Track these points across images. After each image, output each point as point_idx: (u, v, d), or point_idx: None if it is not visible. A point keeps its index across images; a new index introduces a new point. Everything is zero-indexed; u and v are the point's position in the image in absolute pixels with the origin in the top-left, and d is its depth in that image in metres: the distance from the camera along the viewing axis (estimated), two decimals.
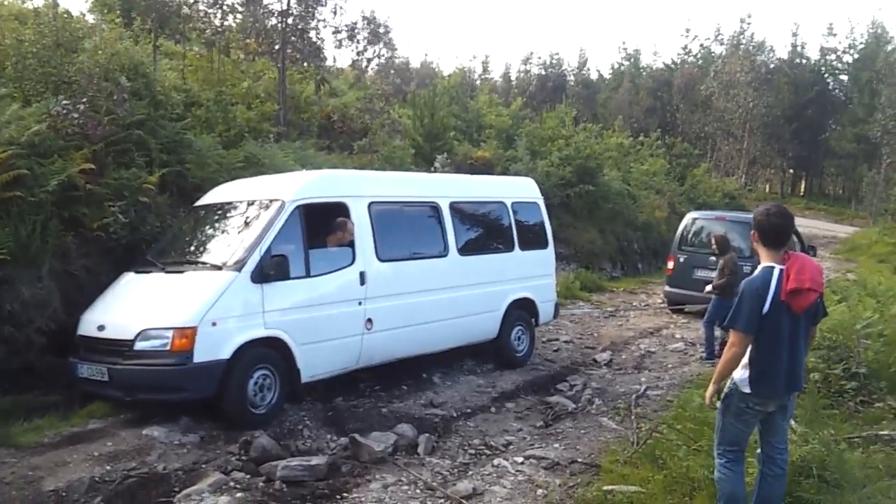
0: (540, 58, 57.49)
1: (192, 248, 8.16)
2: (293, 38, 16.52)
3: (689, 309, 14.49)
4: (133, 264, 8.19)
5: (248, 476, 6.03)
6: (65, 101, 9.17)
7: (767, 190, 56.33)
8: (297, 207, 7.74)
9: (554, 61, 56.93)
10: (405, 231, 9.03)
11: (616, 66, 61.00)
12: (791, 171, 56.24)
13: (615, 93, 54.27)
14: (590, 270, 18.10)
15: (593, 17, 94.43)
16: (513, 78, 59.92)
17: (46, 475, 5.65)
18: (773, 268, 4.40)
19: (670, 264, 14.63)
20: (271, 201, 7.85)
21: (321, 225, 8.07)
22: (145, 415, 6.94)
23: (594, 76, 61.43)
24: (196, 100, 12.34)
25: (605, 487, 5.80)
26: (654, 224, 22.83)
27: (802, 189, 58.90)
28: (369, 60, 30.69)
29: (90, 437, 6.48)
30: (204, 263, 7.62)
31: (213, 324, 6.84)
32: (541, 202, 10.95)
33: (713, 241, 11.65)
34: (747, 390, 4.41)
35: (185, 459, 6.22)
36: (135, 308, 7.25)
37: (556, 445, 7.16)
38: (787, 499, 4.67)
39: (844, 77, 55.93)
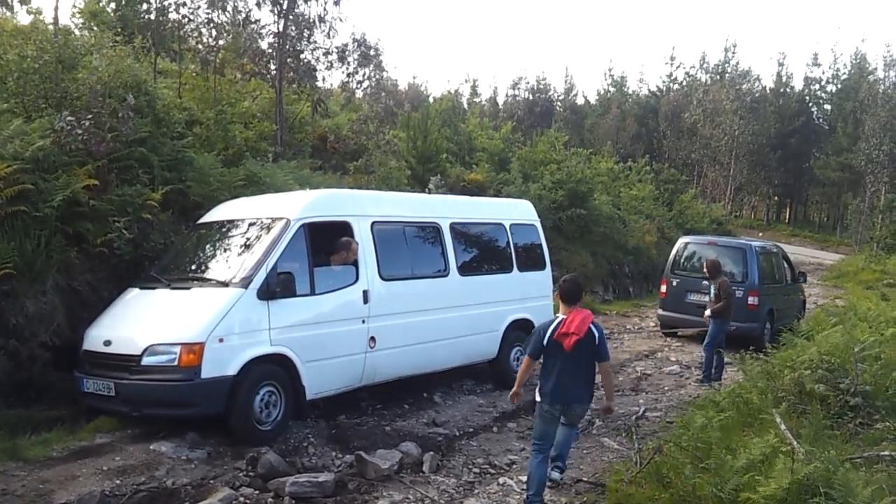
0: (528, 82, 57.99)
1: (198, 265, 8.20)
2: (289, 59, 16.65)
3: (682, 332, 14.63)
4: (137, 280, 8.22)
5: (257, 492, 6.05)
6: (69, 118, 9.21)
7: (753, 216, 56.93)
8: (302, 226, 7.81)
9: (542, 86, 57.50)
10: (406, 250, 9.11)
11: (603, 91, 61.68)
12: (776, 198, 56.84)
13: (602, 118, 54.82)
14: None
15: (580, 42, 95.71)
16: (500, 102, 60.43)
17: (57, 488, 5.65)
18: (558, 317, 6.09)
19: (663, 288, 14.77)
20: (276, 219, 7.92)
21: (325, 243, 8.14)
22: (152, 430, 6.95)
23: (581, 101, 62.11)
24: (196, 118, 12.41)
25: None
26: (644, 248, 23.00)
27: (787, 216, 59.53)
28: (360, 82, 30.92)
29: (98, 451, 6.48)
30: (210, 280, 7.66)
31: (221, 340, 6.87)
32: (538, 224, 11.09)
33: (705, 267, 11.82)
34: (538, 399, 6.11)
35: (194, 475, 6.23)
36: (141, 323, 7.27)
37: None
38: None
39: (828, 106, 56.78)
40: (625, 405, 9.59)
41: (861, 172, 43.91)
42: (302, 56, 17.56)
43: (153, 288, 7.84)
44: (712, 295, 11.34)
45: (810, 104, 57.39)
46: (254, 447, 6.83)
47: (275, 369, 7.31)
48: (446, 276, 9.27)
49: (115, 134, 9.54)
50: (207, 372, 6.76)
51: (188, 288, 7.63)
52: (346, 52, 28.42)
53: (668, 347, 13.56)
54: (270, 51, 16.76)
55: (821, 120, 57.65)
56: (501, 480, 6.75)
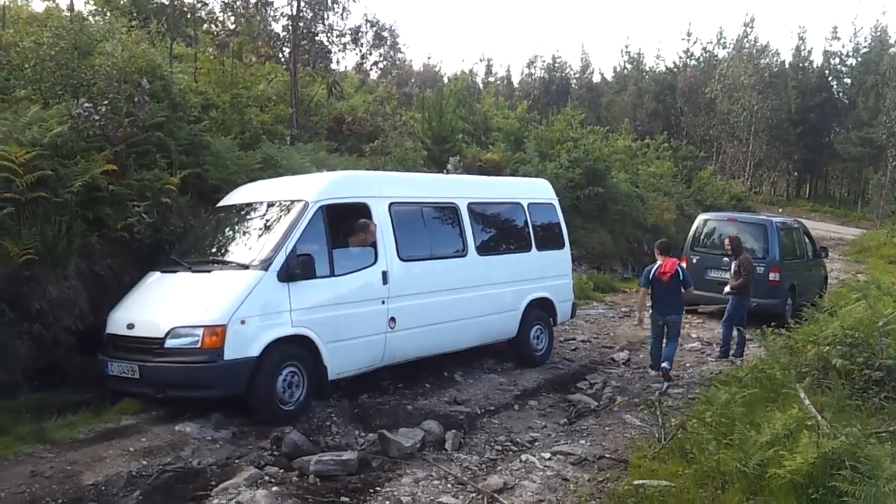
0: (544, 60, 57.53)
1: (218, 248, 8.23)
2: (304, 41, 16.64)
3: (702, 309, 14.54)
4: (158, 264, 8.26)
5: (282, 471, 6.10)
6: (86, 104, 9.24)
7: (773, 192, 56.39)
8: (321, 208, 7.81)
9: (558, 64, 57.06)
10: (425, 231, 9.10)
11: (619, 68, 61.15)
12: (796, 173, 56.22)
13: (619, 96, 54.36)
14: (601, 272, 18.17)
15: (595, 18, 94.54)
16: (515, 81, 60.05)
17: (84, 470, 5.72)
18: (657, 263, 9.79)
19: (683, 265, 14.63)
20: (294, 202, 7.93)
21: (343, 225, 8.15)
22: (177, 411, 7.00)
23: (597, 79, 61.55)
24: (212, 102, 12.41)
25: (634, 482, 5.85)
26: (662, 226, 22.84)
27: (807, 191, 58.94)
28: (374, 64, 30.91)
29: (124, 432, 6.54)
30: (230, 263, 7.69)
31: (242, 322, 6.91)
32: (556, 203, 11.04)
33: (727, 243, 11.73)
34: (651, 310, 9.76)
35: (219, 454, 6.29)
36: (164, 307, 7.32)
37: (582, 442, 7.23)
38: (821, 489, 4.73)
39: (848, 80, 55.93)
40: (647, 382, 9.58)
41: (882, 146, 43.34)
42: (316, 38, 17.57)
43: (174, 271, 7.88)
44: (733, 271, 11.27)
45: (830, 78, 56.56)
46: (277, 427, 6.88)
47: (296, 350, 7.34)
48: (465, 256, 9.26)
49: (132, 119, 9.55)
50: (230, 353, 6.80)
51: (209, 271, 7.67)
52: (360, 34, 28.44)
53: (688, 324, 13.46)
54: (285, 34, 16.76)
55: (841, 94, 56.85)
56: (524, 457, 6.76)
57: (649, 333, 12.57)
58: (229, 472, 5.96)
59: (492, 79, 57.53)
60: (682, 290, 9.69)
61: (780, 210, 41.48)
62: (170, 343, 6.88)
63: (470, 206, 9.47)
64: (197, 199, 9.99)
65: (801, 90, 52.42)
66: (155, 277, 7.97)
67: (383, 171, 10.09)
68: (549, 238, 10.60)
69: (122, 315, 7.48)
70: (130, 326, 7.23)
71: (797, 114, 50.61)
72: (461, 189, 9.75)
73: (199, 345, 6.79)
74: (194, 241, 8.57)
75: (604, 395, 8.92)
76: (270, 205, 8.23)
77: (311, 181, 8.60)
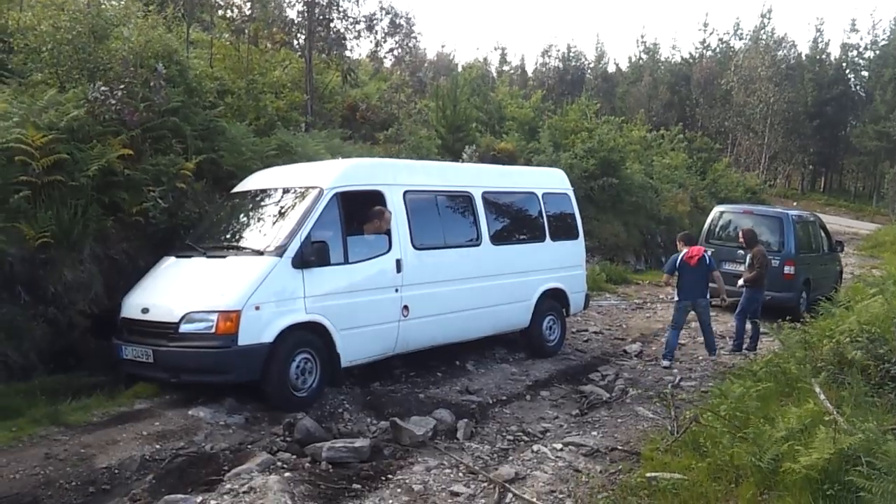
0: (559, 50, 57.26)
1: (232, 234, 8.23)
2: (319, 27, 16.58)
3: (715, 302, 14.43)
4: (173, 249, 8.29)
5: (294, 457, 6.12)
6: (103, 88, 9.26)
7: (787, 186, 55.96)
8: (336, 195, 7.80)
9: (572, 54, 56.71)
10: (439, 220, 9.08)
11: (634, 59, 60.74)
12: (811, 167, 55.76)
13: (634, 86, 54.01)
14: (614, 263, 18.10)
15: (611, 8, 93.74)
16: (529, 70, 59.76)
17: (98, 453, 5.75)
18: (682, 251, 10.31)
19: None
20: (309, 188, 7.92)
21: (358, 212, 8.14)
22: (190, 396, 7.03)
23: (612, 69, 61.17)
24: (228, 88, 12.40)
25: (647, 474, 5.85)
26: (676, 218, 22.75)
27: (822, 185, 58.49)
28: (391, 51, 30.83)
29: (137, 416, 6.58)
30: (245, 249, 7.69)
31: (257, 308, 6.92)
32: (571, 193, 10.99)
33: (741, 235, 11.66)
34: (677, 298, 10.19)
35: (232, 440, 6.31)
36: (178, 291, 7.34)
37: (594, 433, 7.22)
38: (837, 486, 4.69)
39: (866, 73, 55.36)
40: (659, 374, 9.55)
41: None
42: (331, 24, 17.51)
43: (189, 256, 7.90)
44: (747, 264, 11.21)
45: (847, 71, 55.99)
46: (290, 413, 6.90)
47: (310, 337, 7.35)
48: (479, 245, 9.23)
49: (148, 104, 9.56)
50: (244, 339, 6.82)
51: (224, 256, 7.68)
52: (375, 21, 28.25)
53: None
54: (300, 19, 16.71)
55: (858, 87, 56.30)
56: (535, 447, 6.75)
57: (661, 326, 12.63)
58: (242, 458, 5.97)
59: (506, 68, 57.30)
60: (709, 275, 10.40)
61: (795, 203, 41.15)
62: (184, 328, 6.91)
63: (484, 196, 9.44)
64: (212, 185, 10.02)
65: (817, 83, 51.96)
66: (170, 262, 7.99)
67: (398, 159, 10.01)
68: (563, 228, 10.56)
69: (136, 299, 7.50)
70: (145, 311, 7.26)
71: (813, 107, 50.17)
72: (476, 178, 9.72)
73: (213, 330, 6.81)
74: (209, 227, 8.59)
75: (616, 386, 8.91)
76: (285, 191, 8.23)
77: (327, 168, 8.59)
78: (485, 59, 50.59)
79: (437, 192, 9.08)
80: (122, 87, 9.38)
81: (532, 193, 10.25)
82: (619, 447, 6.74)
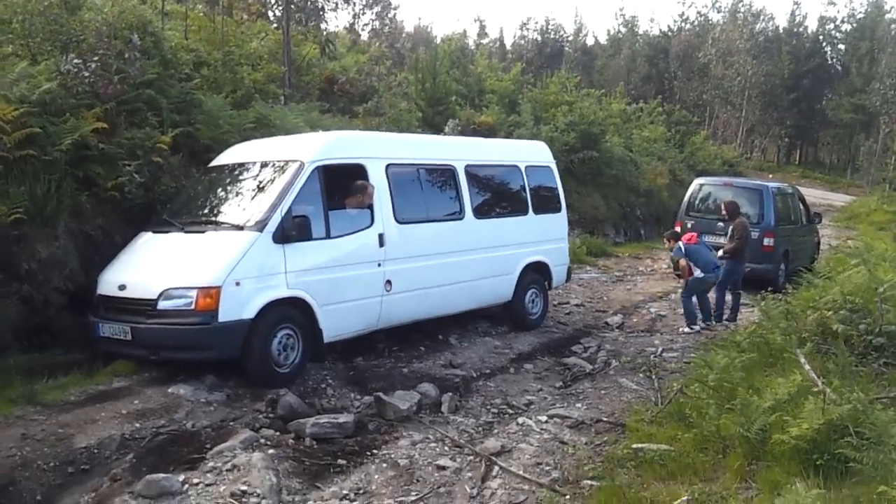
0: (537, 23, 56.88)
1: (211, 209, 8.07)
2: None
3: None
4: (149, 224, 8.11)
5: (278, 433, 6.05)
6: (76, 60, 9.02)
7: (763, 158, 56.29)
8: (317, 168, 7.66)
9: (551, 27, 56.43)
10: (422, 193, 8.98)
11: (613, 32, 60.52)
12: (787, 139, 56.10)
13: (612, 59, 53.89)
14: (594, 236, 18.11)
15: None
16: (508, 44, 59.40)
17: (76, 432, 5.64)
18: (678, 242, 10.79)
19: (678, 230, 14.57)
20: (289, 162, 7.77)
21: (339, 186, 8.01)
22: (170, 373, 6.91)
23: (591, 42, 60.99)
24: (203, 60, 12.14)
25: (633, 445, 5.85)
26: (655, 190, 22.80)
27: (798, 157, 58.89)
28: (369, 23, 30.49)
29: (116, 395, 6.45)
30: (224, 224, 7.54)
31: (237, 283, 6.80)
32: (553, 166, 10.93)
33: (723, 207, 11.67)
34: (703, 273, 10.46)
35: (213, 417, 6.22)
36: (156, 267, 7.20)
37: (579, 405, 7.21)
38: (826, 456, 4.71)
39: (842, 47, 55.61)
40: (640, 346, 9.57)
41: (875, 113, 43.27)
42: None
43: (166, 232, 7.74)
44: (728, 235, 11.22)
45: (824, 44, 56.19)
46: (272, 390, 6.83)
47: (292, 312, 7.25)
48: (461, 219, 9.15)
49: (123, 76, 9.33)
50: (224, 315, 6.70)
51: (202, 231, 7.53)
52: None
53: (681, 289, 13.42)
54: None
55: (834, 60, 56.54)
56: (520, 420, 6.74)
57: (642, 297, 12.67)
58: (224, 435, 5.89)
59: (485, 41, 56.93)
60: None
61: (771, 176, 41.40)
62: (163, 304, 6.77)
63: (467, 169, 9.34)
64: (189, 159, 9.80)
65: (794, 55, 52.10)
66: (146, 238, 7.83)
67: (380, 132, 9.88)
68: (546, 202, 10.50)
69: (113, 276, 7.35)
70: (122, 287, 7.11)
71: (790, 79, 50.36)
72: (459, 151, 9.62)
73: (192, 306, 6.68)
74: (186, 202, 8.42)
75: (598, 358, 8.91)
76: (265, 165, 8.07)
77: (307, 141, 8.44)
78: (463, 32, 50.24)
79: (419, 165, 8.97)
80: (95, 58, 9.14)
81: (515, 166, 10.16)
82: (604, 419, 6.74)
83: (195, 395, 6.52)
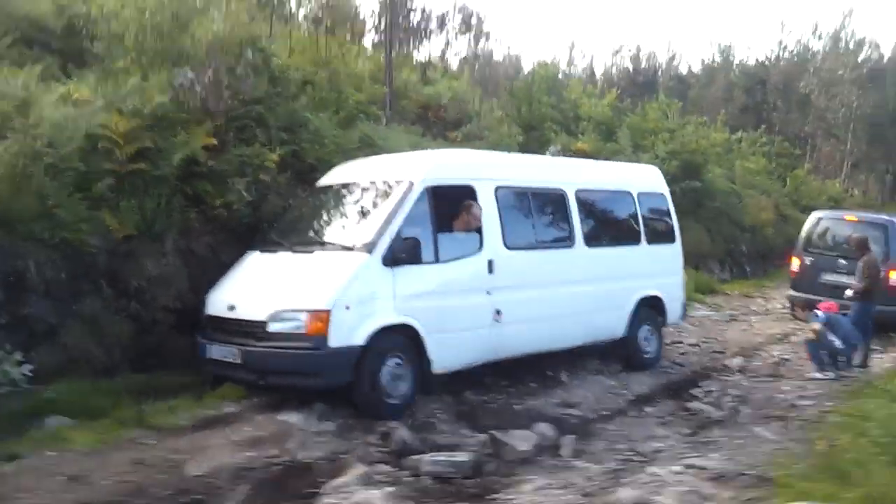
0: (630, 50, 55.92)
1: (319, 229, 7.85)
2: (400, 18, 16.27)
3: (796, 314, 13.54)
4: (257, 243, 7.90)
5: (394, 469, 5.64)
6: (189, 74, 8.97)
7: (864, 196, 53.60)
8: (426, 189, 7.32)
9: (643, 55, 55.44)
10: (531, 218, 8.53)
11: (707, 61, 58.93)
12: (890, 176, 53.27)
13: (707, 89, 52.41)
14: (698, 271, 17.29)
15: (682, 10, 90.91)
16: (598, 72, 58.58)
17: (188, 459, 5.38)
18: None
19: (795, 266, 13.69)
20: (399, 182, 7.46)
21: (448, 208, 7.64)
22: (278, 400, 6.62)
23: (684, 71, 59.46)
24: (309, 79, 12.06)
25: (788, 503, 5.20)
26: (759, 226, 21.80)
27: None
28: (469, 48, 30.52)
29: (226, 420, 6.20)
30: (333, 244, 7.27)
31: (347, 307, 6.50)
32: (667, 193, 10.34)
33: (852, 242, 10.85)
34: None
35: (326, 448, 5.87)
36: (266, 288, 6.97)
37: (714, 455, 6.52)
38: None
39: None
40: (768, 392, 8.82)
41: None
42: (411, 16, 17.20)
43: (275, 251, 7.52)
44: (858, 274, 10.36)
45: None
46: (382, 421, 6.45)
47: (401, 340, 6.89)
48: (572, 247, 8.66)
49: (233, 92, 9.26)
50: (335, 340, 6.39)
51: (311, 252, 7.26)
52: (447, 19, 27.87)
53: (801, 331, 12.52)
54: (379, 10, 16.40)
55: None
56: (651, 469, 6.11)
57: (761, 339, 11.86)
58: (338, 468, 5.51)
59: (574, 69, 56.29)
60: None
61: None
62: (273, 327, 6.51)
63: (578, 193, 8.85)
64: (294, 178, 9.63)
65: None
66: (255, 257, 7.63)
67: (489, 152, 9.50)
68: (659, 231, 9.92)
69: (222, 296, 7.15)
70: (231, 308, 6.89)
71: None
72: (569, 174, 9.17)
73: (303, 330, 6.41)
74: (294, 221, 8.23)
75: (725, 404, 8.20)
76: (373, 185, 7.80)
77: (416, 160, 8.14)
78: (553, 60, 49.74)
79: (529, 188, 8.52)
80: (209, 73, 9.09)
81: (627, 192, 9.63)
82: (748, 472, 6.06)
83: (306, 424, 6.20)
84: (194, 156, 8.34)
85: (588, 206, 9.08)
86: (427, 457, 5.77)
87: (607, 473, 6.10)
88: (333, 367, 6.42)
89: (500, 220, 7.88)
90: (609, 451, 6.60)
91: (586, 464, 6.25)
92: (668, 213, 10.19)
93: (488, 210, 7.81)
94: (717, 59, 57.03)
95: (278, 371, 6.46)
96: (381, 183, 7.72)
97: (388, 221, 7.01)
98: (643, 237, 9.60)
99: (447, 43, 34.57)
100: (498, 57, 43.69)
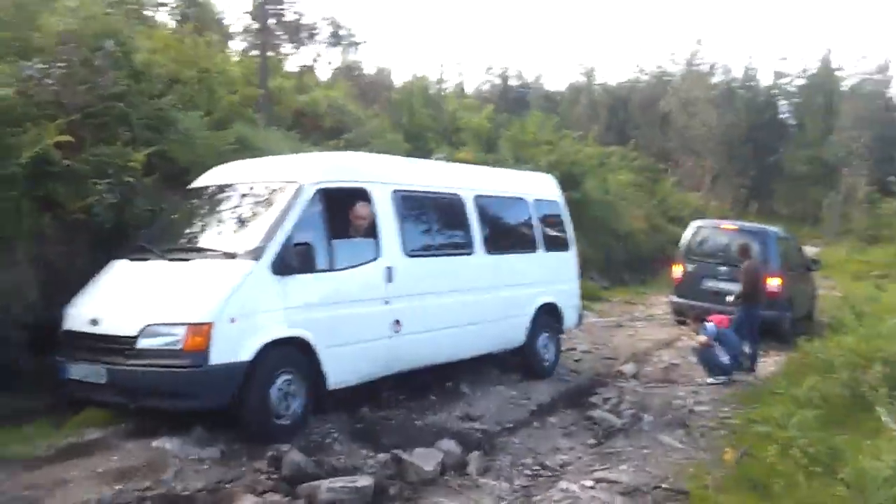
0: (502, 69, 56.95)
1: (196, 234, 7.02)
2: (272, 18, 15.55)
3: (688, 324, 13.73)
4: (122, 251, 7.02)
5: (287, 498, 5.02)
6: (39, 65, 8.00)
7: (721, 207, 56.55)
8: (318, 191, 6.72)
9: (511, 73, 56.66)
10: (430, 224, 8.09)
11: (573, 81, 60.76)
12: (744, 189, 56.58)
13: (573, 107, 53.98)
14: (581, 279, 17.36)
15: (546, 38, 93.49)
16: (468, 89, 59.13)
17: (45, 496, 4.56)
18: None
19: (678, 273, 13.89)
20: (287, 184, 6.80)
21: (340, 213, 7.07)
22: (150, 424, 5.82)
23: (550, 89, 61.07)
24: (178, 77, 11.14)
25: None
26: (633, 235, 22.34)
27: (757, 208, 59.36)
28: (343, 61, 29.95)
29: (90, 449, 5.36)
30: (213, 251, 6.51)
31: (232, 320, 5.79)
32: (561, 201, 10.17)
33: (738, 251, 11.08)
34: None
35: (208, 478, 5.16)
36: (135, 300, 6.14)
37: (623, 467, 6.29)
38: None
39: (797, 99, 56.54)
40: (665, 397, 8.73)
41: (833, 165, 43.95)
42: (283, 20, 16.51)
43: (145, 259, 6.69)
44: (742, 279, 10.54)
45: (779, 97, 57.09)
46: (272, 444, 5.75)
47: (293, 354, 6.24)
48: (471, 253, 8.27)
49: (89, 86, 8.33)
50: (217, 357, 5.66)
51: (187, 259, 6.50)
52: (316, 31, 27.29)
53: (686, 336, 12.64)
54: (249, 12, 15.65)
55: (789, 115, 57.38)
56: (562, 485, 5.79)
57: (649, 345, 11.88)
58: (222, 500, 4.86)
59: (446, 85, 56.61)
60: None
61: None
62: (144, 343, 5.70)
63: (476, 199, 8.48)
64: (163, 181, 8.75)
65: (749, 107, 52.70)
66: (121, 266, 6.75)
67: (383, 155, 9.00)
68: (555, 238, 9.71)
69: (83, 308, 6.25)
70: (94, 322, 6.02)
71: (749, 131, 50.88)
72: (467, 179, 8.79)
73: (180, 346, 5.63)
74: (166, 226, 7.38)
75: (624, 412, 8.01)
76: (257, 187, 7.10)
77: (305, 162, 7.55)
78: (423, 77, 49.79)
79: (426, 192, 8.08)
80: (59, 65, 8.14)
81: (523, 199, 9.36)
82: (662, 485, 5.82)
83: (183, 451, 5.44)
84: (46, 154, 7.38)
85: (486, 213, 8.69)
86: (324, 483, 5.17)
87: (518, 492, 5.75)
88: (215, 387, 5.70)
89: (399, 225, 7.38)
90: (516, 466, 6.26)
91: (494, 481, 5.86)
92: (563, 221, 10.04)
93: (385, 215, 7.29)
94: (582, 79, 59.08)
95: (151, 392, 5.65)
96: (266, 185, 7.04)
97: (276, 226, 6.35)
98: (540, 244, 9.35)
99: (318, 53, 33.88)
100: (370, 69, 43.30)
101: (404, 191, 7.67)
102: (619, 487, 5.77)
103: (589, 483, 5.84)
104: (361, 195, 7.23)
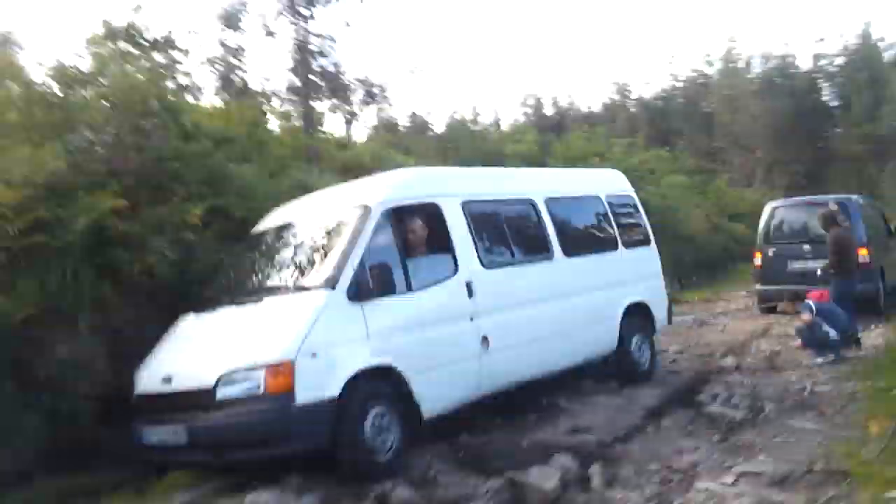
0: (535, 99, 56.96)
1: (264, 275, 6.72)
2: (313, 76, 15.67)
3: (780, 308, 12.93)
4: (188, 306, 6.72)
5: None
6: (87, 134, 7.88)
7: (773, 196, 55.03)
8: (387, 211, 6.35)
9: (547, 101, 56.65)
10: (504, 232, 7.61)
11: (608, 101, 60.21)
12: (798, 176, 55.00)
13: (611, 126, 53.47)
14: None
15: (573, 62, 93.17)
16: (503, 123, 59.11)
17: None
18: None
19: (757, 260, 13.13)
20: (353, 208, 6.44)
21: (413, 231, 6.67)
22: (243, 479, 5.38)
23: (585, 110, 60.65)
24: (227, 136, 11.00)
25: (888, 495, 4.31)
26: (697, 237, 21.64)
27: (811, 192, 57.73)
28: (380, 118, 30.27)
29: None
30: (284, 287, 6.19)
31: (314, 355, 5.37)
32: (634, 195, 9.65)
33: (820, 219, 10.31)
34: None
35: None
36: (208, 350, 5.79)
37: (761, 458, 5.65)
38: None
39: (840, 79, 55.01)
40: (777, 384, 8.03)
41: (889, 139, 42.48)
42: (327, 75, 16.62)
43: (214, 309, 6.36)
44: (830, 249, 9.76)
45: (821, 80, 55.61)
46: (373, 484, 5.28)
47: (381, 385, 5.80)
48: (550, 259, 7.78)
49: (139, 149, 8.18)
50: (303, 396, 5.25)
51: (258, 301, 6.14)
52: (349, 91, 27.52)
53: (778, 324, 11.90)
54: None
55: (833, 96, 55.80)
56: (700, 486, 5.18)
57: (743, 337, 11.14)
58: None
59: (482, 121, 56.74)
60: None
61: None
62: (223, 392, 5.31)
63: (548, 202, 8.01)
64: (222, 235, 8.50)
65: (793, 94, 51.40)
66: (189, 320, 6.46)
67: (449, 167, 8.68)
68: (633, 235, 9.16)
69: (154, 369, 5.94)
70: (167, 380, 5.68)
71: (796, 117, 49.55)
72: (536, 182, 8.39)
73: (262, 389, 5.22)
74: (233, 273, 7.09)
75: (739, 404, 7.33)
76: (322, 217, 6.80)
77: (370, 183, 7.18)
78: (462, 115, 49.90)
79: (498, 200, 7.65)
80: (108, 132, 8.02)
81: (596, 197, 8.87)
82: (813, 468, 5.16)
83: (282, 503, 4.97)
84: (101, 221, 7.18)
85: (560, 215, 8.19)
86: None
87: (651, 499, 5.12)
88: (305, 428, 5.27)
89: (473, 237, 6.96)
90: (642, 473, 5.62)
91: (622, 492, 5.26)
92: (638, 215, 9.52)
93: (458, 228, 6.87)
94: (616, 96, 58.55)
95: (237, 444, 5.25)
96: (332, 214, 6.73)
97: (348, 251, 5.97)
98: (619, 241, 8.82)
99: (352, 114, 34.21)
100: (405, 120, 43.55)
101: (475, 201, 7.26)
102: (765, 479, 5.13)
103: (730, 479, 5.22)
104: (432, 210, 6.83)
